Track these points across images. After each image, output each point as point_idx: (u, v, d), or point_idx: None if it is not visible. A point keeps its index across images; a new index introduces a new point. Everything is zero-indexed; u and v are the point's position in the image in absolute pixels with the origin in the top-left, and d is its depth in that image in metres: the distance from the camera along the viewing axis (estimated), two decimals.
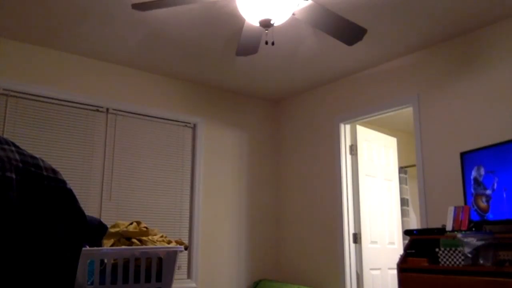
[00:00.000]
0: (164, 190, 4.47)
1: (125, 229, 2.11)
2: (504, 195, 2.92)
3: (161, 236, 2.22)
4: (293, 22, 3.48)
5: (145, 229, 2.17)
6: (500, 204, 2.95)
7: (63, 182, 1.09)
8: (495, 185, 2.98)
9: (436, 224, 3.54)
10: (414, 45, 3.86)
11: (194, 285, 4.45)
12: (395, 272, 3.22)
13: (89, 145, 4.12)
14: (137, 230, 2.12)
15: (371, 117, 4.41)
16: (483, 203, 3.04)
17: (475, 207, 3.09)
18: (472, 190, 3.14)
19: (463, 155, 3.28)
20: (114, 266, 1.93)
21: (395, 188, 5.00)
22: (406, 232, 3.39)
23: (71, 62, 4.11)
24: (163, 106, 4.59)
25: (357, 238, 4.39)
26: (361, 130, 4.62)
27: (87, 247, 1.93)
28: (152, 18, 3.44)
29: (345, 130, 4.60)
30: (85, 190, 4.02)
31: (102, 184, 4.12)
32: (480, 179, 3.09)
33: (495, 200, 2.98)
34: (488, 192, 3.02)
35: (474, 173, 3.14)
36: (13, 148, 1.03)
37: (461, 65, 3.66)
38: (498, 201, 2.96)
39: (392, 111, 4.21)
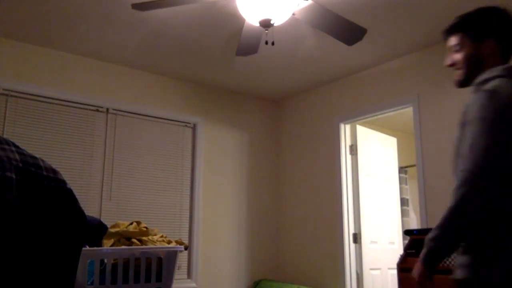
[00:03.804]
0: (164, 190, 4.47)
1: (125, 229, 2.11)
2: None
3: (161, 236, 2.22)
4: (293, 22, 3.48)
5: (145, 229, 2.17)
6: None
7: (63, 182, 1.09)
8: None
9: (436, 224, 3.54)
10: (414, 45, 3.86)
11: (194, 285, 4.45)
12: (395, 272, 3.22)
13: (89, 145, 4.12)
14: (137, 230, 2.12)
15: (371, 117, 4.41)
16: None
17: None
18: None
19: None
20: (114, 266, 1.93)
21: (395, 188, 5.00)
22: (406, 232, 3.38)
23: (71, 62, 4.11)
24: (163, 106, 4.59)
25: (357, 238, 4.39)
26: (361, 130, 4.62)
27: (87, 247, 1.93)
28: (152, 18, 3.44)
29: (345, 130, 4.61)
30: (85, 190, 4.02)
31: (102, 184, 4.12)
32: None
33: None
34: None
35: None
36: (13, 148, 1.03)
37: None
38: None
39: (392, 111, 4.21)
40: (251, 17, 2.59)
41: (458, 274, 1.45)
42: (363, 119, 4.47)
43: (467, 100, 1.51)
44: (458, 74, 1.64)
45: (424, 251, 1.49)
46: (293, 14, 2.70)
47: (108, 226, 2.20)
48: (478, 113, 1.39)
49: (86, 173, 4.06)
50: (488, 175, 1.35)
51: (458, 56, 1.63)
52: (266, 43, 2.76)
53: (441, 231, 1.43)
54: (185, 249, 2.13)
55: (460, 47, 1.63)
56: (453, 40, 1.65)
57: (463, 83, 1.63)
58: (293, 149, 5.13)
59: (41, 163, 1.06)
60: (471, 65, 1.60)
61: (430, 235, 1.47)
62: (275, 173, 5.29)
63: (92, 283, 1.88)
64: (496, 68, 1.52)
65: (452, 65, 1.65)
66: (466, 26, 1.62)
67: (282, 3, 2.52)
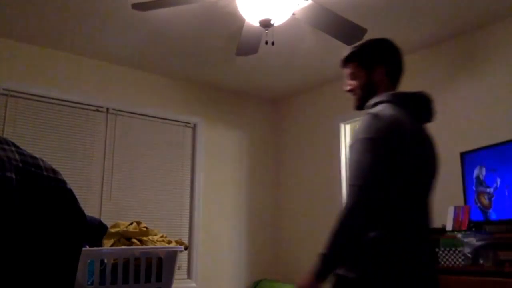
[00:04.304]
0: (164, 190, 4.47)
1: (125, 229, 2.11)
2: (506, 193, 2.93)
3: (161, 236, 2.22)
4: (293, 22, 3.47)
5: (145, 229, 2.17)
6: (502, 202, 2.95)
7: (63, 182, 1.09)
8: (498, 183, 2.99)
9: (436, 224, 3.53)
10: (414, 45, 3.86)
11: (194, 285, 4.45)
12: None
13: (89, 145, 4.11)
14: (137, 230, 2.12)
15: None
16: (486, 200, 3.05)
17: (478, 204, 3.09)
18: (474, 188, 3.14)
19: (463, 155, 3.28)
20: (114, 266, 1.93)
21: None
22: None
23: (71, 62, 4.11)
24: (163, 106, 4.59)
25: None
26: None
27: (87, 247, 1.93)
28: (152, 18, 3.44)
29: (345, 130, 4.61)
30: (85, 190, 4.02)
31: (102, 184, 4.12)
32: (482, 177, 3.09)
33: (497, 198, 2.98)
34: (491, 190, 3.03)
35: (476, 172, 3.15)
36: (13, 148, 1.03)
37: (461, 65, 3.66)
38: (500, 199, 2.97)
39: None
40: (251, 17, 2.59)
41: (350, 274, 1.54)
42: None
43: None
44: (355, 99, 1.84)
45: (318, 265, 1.56)
46: (293, 14, 2.70)
47: (108, 226, 2.20)
48: (363, 134, 1.56)
49: (86, 173, 4.06)
50: (373, 189, 1.51)
51: (354, 83, 1.83)
52: (266, 43, 2.76)
53: (334, 247, 1.54)
54: (185, 249, 2.13)
55: (355, 75, 1.82)
56: (349, 69, 1.85)
57: (360, 107, 1.82)
58: (293, 149, 5.13)
59: (41, 163, 1.06)
60: (365, 91, 1.79)
61: (324, 250, 1.55)
62: (275, 173, 5.28)
63: (92, 283, 1.88)
64: (383, 94, 1.71)
65: (350, 91, 1.85)
66: (359, 56, 1.82)
67: (282, 3, 2.52)
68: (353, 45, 1.88)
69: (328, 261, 1.55)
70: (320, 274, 1.56)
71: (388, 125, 1.55)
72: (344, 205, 1.53)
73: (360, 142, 1.55)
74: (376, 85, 1.77)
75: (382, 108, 1.62)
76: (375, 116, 1.58)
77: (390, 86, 1.79)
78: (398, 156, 1.53)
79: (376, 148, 1.52)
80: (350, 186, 1.54)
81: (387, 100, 1.67)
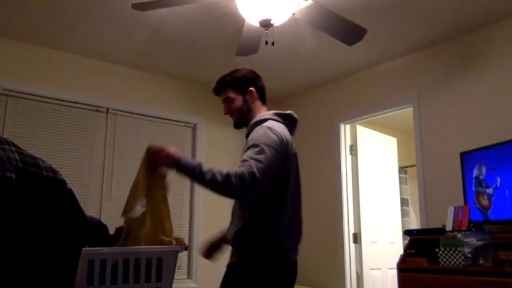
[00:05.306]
0: None
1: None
2: (507, 193, 2.92)
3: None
4: (293, 22, 3.47)
5: None
6: (503, 202, 2.95)
7: (63, 182, 1.09)
8: (498, 182, 2.98)
9: (436, 224, 3.54)
10: (414, 45, 3.86)
11: (194, 285, 4.45)
12: (395, 272, 3.22)
13: (89, 145, 4.11)
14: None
15: (371, 117, 4.41)
16: (485, 201, 3.05)
17: (477, 205, 3.09)
18: (474, 188, 3.14)
19: (463, 155, 3.28)
20: (114, 266, 1.93)
21: (395, 188, 4.99)
22: (406, 232, 3.38)
23: (71, 62, 4.11)
24: (163, 106, 4.59)
25: (357, 238, 4.39)
26: (361, 130, 4.62)
27: (88, 247, 1.93)
28: (152, 18, 3.44)
29: (345, 130, 4.60)
30: (85, 190, 4.02)
31: (102, 184, 4.12)
32: (482, 177, 3.09)
33: (497, 198, 2.98)
34: (490, 190, 3.03)
35: (476, 172, 3.14)
36: (13, 148, 1.03)
37: (461, 65, 3.66)
38: (500, 199, 2.96)
39: (392, 111, 4.21)
40: (251, 17, 2.59)
41: (231, 259, 2.10)
42: (363, 119, 4.47)
43: (251, 135, 2.05)
44: (234, 119, 2.17)
45: (190, 166, 1.91)
46: (293, 14, 2.70)
47: (108, 226, 2.20)
48: (264, 141, 1.90)
49: (86, 173, 4.06)
50: (261, 183, 1.86)
51: (232, 106, 2.14)
52: (266, 43, 2.77)
53: (211, 179, 1.91)
54: (185, 249, 2.13)
55: (231, 99, 2.14)
56: (224, 95, 2.15)
57: (239, 126, 2.18)
58: None
59: (41, 163, 1.07)
60: (242, 112, 2.15)
61: (204, 169, 1.88)
62: None
63: (92, 283, 1.88)
64: (267, 112, 2.14)
65: (229, 113, 2.17)
66: (231, 83, 2.15)
67: (282, 3, 2.52)
68: (223, 75, 2.18)
69: (194, 174, 1.90)
70: (183, 168, 1.91)
71: (280, 138, 1.94)
72: (241, 172, 1.81)
73: (260, 145, 1.88)
74: (250, 105, 2.14)
75: (271, 124, 2.01)
76: (270, 128, 1.95)
77: (262, 104, 2.20)
78: (284, 163, 1.93)
79: (269, 152, 1.87)
80: (249, 167, 1.81)
81: (272, 118, 2.08)
